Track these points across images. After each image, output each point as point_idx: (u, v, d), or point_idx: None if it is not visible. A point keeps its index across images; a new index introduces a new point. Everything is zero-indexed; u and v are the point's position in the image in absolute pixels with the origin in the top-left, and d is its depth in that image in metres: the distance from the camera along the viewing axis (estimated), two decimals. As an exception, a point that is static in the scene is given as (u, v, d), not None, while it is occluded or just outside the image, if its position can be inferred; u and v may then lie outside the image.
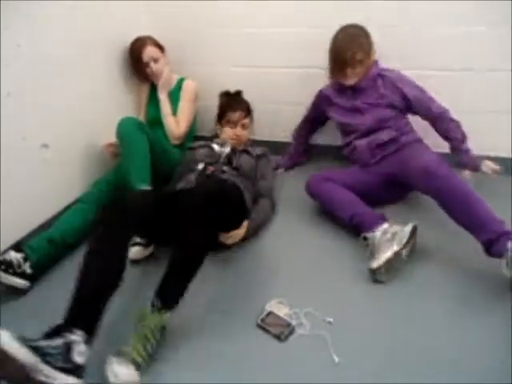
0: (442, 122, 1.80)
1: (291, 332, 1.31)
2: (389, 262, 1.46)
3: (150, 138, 1.82)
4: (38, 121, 1.70)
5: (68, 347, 1.04)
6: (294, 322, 1.33)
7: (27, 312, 1.45)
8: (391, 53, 1.91)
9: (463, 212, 1.47)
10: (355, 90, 1.87)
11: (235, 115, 1.98)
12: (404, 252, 1.51)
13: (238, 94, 2.09)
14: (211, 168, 1.78)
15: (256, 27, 2.17)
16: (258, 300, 1.43)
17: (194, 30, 2.28)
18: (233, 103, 2.02)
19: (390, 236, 1.53)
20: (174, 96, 2.16)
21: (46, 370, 0.99)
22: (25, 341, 0.99)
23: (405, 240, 1.51)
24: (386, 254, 1.47)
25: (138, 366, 1.15)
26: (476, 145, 2.14)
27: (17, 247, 1.56)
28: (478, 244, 1.44)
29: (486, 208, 1.45)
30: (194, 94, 2.20)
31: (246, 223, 1.68)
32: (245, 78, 2.27)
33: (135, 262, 1.62)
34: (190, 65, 2.32)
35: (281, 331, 1.30)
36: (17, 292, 1.51)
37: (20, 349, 0.96)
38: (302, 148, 2.30)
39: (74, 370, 1.04)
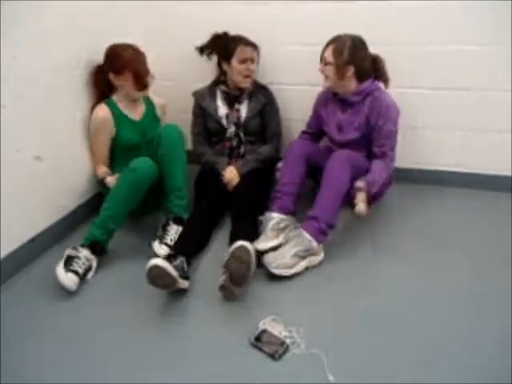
0: (380, 160, 1.80)
1: (285, 351, 1.29)
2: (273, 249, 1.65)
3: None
4: (33, 133, 1.69)
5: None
6: (288, 341, 1.31)
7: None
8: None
9: (329, 195, 1.67)
10: (344, 103, 1.88)
11: (249, 49, 1.94)
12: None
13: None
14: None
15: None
16: (251, 317, 1.41)
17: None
18: (243, 38, 1.97)
19: (282, 226, 1.71)
20: (153, 115, 2.05)
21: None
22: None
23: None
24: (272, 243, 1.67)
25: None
26: (475, 163, 2.15)
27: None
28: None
29: (337, 207, 1.67)
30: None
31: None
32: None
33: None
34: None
35: (275, 350, 1.28)
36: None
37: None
38: None
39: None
